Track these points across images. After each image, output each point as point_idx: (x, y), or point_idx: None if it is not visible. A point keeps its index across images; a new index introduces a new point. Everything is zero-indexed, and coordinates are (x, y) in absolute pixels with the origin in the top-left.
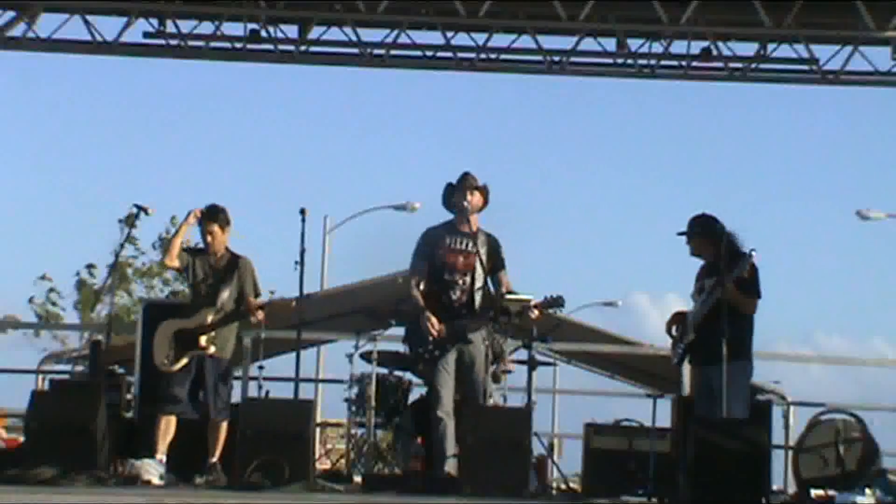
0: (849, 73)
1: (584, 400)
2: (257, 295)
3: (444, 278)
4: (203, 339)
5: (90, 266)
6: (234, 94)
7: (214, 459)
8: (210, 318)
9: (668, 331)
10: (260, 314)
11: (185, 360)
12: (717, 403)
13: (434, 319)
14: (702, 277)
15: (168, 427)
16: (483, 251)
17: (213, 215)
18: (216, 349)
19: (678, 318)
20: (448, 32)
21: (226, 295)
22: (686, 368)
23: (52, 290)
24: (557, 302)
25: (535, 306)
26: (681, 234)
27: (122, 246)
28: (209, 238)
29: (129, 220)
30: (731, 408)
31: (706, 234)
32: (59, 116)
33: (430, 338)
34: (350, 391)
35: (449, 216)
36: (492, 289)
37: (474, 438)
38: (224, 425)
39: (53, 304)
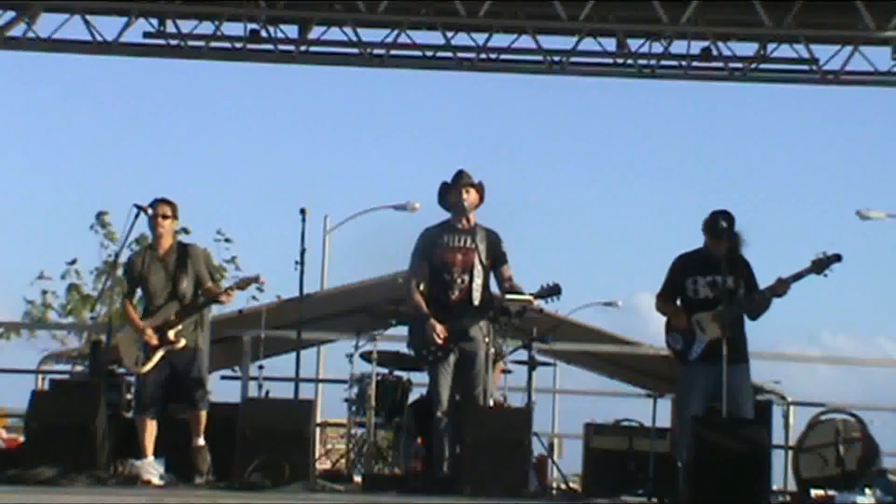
0: (849, 73)
1: (584, 400)
2: (214, 280)
3: (443, 278)
4: (171, 333)
5: (72, 262)
6: (234, 94)
7: (201, 442)
8: (174, 312)
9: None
10: (227, 296)
11: (157, 358)
12: (738, 404)
13: (439, 327)
14: (704, 273)
15: (150, 428)
16: (482, 247)
17: (166, 204)
18: (186, 341)
19: (686, 318)
20: (448, 32)
21: (184, 286)
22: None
23: (45, 292)
24: (554, 290)
25: (532, 295)
26: (726, 230)
27: (122, 248)
28: (161, 230)
29: (101, 220)
30: (747, 408)
31: (731, 232)
32: (59, 116)
33: (430, 342)
34: (350, 391)
35: (447, 214)
36: (494, 284)
37: (474, 438)
38: (204, 413)
39: (47, 306)
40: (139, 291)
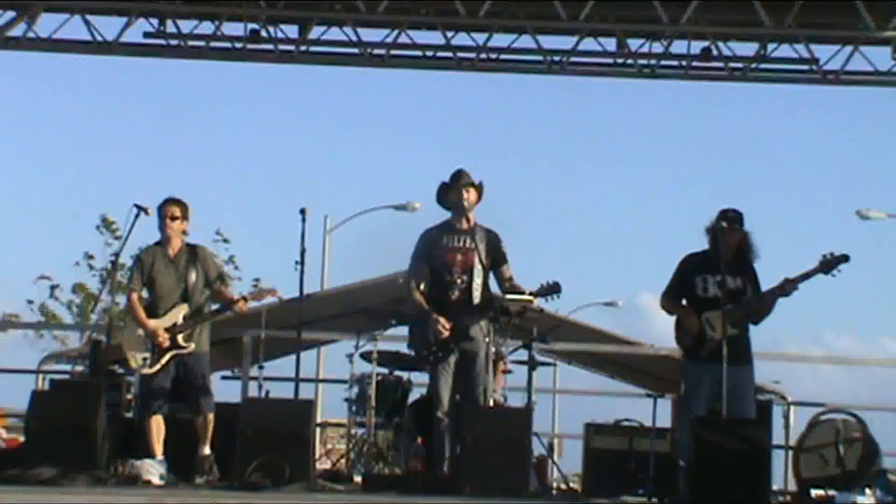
0: (849, 73)
1: (584, 400)
2: (221, 278)
3: (443, 278)
4: (181, 338)
5: (89, 256)
6: (234, 94)
7: (207, 451)
8: (183, 316)
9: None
10: (243, 305)
11: (165, 360)
12: (741, 404)
13: (443, 321)
14: (714, 272)
15: (159, 428)
16: (482, 247)
17: (175, 204)
18: (195, 345)
19: (697, 317)
20: (448, 32)
21: (195, 289)
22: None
23: (53, 286)
24: (553, 288)
25: (532, 294)
26: (738, 217)
27: (122, 247)
28: (169, 231)
29: (107, 223)
30: (749, 409)
31: (741, 221)
32: (58, 116)
33: (434, 339)
34: (350, 391)
35: (446, 214)
36: (495, 284)
37: (474, 438)
38: (211, 416)
39: (55, 298)
40: (145, 291)
